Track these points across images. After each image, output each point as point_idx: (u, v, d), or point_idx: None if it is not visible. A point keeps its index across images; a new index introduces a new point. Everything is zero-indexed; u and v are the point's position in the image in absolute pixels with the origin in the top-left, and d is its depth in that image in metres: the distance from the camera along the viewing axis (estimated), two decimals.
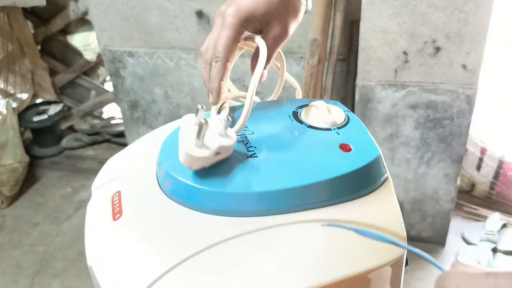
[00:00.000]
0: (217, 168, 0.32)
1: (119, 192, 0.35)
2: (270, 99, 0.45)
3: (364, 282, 0.29)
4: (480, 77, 1.05)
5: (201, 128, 0.29)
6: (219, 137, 0.31)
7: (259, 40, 0.37)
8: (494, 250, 1.28)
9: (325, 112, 0.37)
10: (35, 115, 1.93)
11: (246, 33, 0.39)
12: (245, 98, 0.36)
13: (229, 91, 0.41)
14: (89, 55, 1.96)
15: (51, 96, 1.99)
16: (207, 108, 0.36)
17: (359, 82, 1.14)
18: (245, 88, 0.42)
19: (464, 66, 1.03)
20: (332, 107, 0.39)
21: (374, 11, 1.03)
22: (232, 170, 0.32)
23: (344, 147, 0.34)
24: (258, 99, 0.42)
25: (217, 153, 0.31)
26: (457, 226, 1.38)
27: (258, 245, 0.29)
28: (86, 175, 1.82)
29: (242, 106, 0.36)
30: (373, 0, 1.01)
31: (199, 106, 0.33)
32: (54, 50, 1.99)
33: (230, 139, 0.32)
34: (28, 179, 1.78)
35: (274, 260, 0.28)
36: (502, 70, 1.32)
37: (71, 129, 2.10)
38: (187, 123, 0.33)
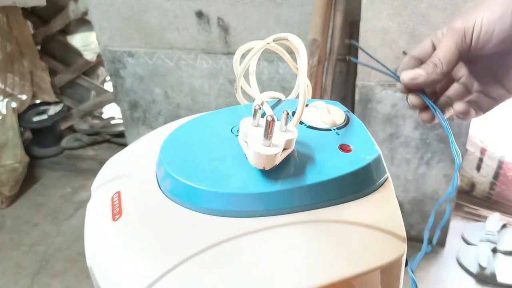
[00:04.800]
0: (217, 169, 0.32)
1: (118, 192, 0.35)
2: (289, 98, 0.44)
3: (363, 283, 0.29)
4: None
5: (270, 125, 0.29)
6: (281, 132, 0.31)
7: (294, 39, 0.34)
8: (494, 251, 1.28)
9: (324, 112, 0.37)
10: (35, 115, 1.93)
11: (278, 35, 0.35)
12: (277, 98, 0.40)
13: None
14: (89, 55, 1.97)
15: (50, 97, 1.99)
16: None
17: (359, 82, 1.14)
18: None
19: None
20: (332, 107, 0.39)
21: (374, 11, 1.03)
22: (232, 170, 0.32)
23: (344, 148, 0.34)
24: (283, 97, 0.42)
25: (284, 149, 0.31)
26: (457, 226, 1.38)
27: (258, 246, 0.29)
28: (86, 175, 1.82)
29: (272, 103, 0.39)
30: (373, 0, 1.01)
31: (257, 107, 0.32)
32: (54, 50, 1.99)
33: (292, 133, 0.32)
34: (28, 179, 1.78)
35: (273, 261, 0.28)
36: None
37: (71, 129, 2.10)
38: (245, 128, 0.32)
